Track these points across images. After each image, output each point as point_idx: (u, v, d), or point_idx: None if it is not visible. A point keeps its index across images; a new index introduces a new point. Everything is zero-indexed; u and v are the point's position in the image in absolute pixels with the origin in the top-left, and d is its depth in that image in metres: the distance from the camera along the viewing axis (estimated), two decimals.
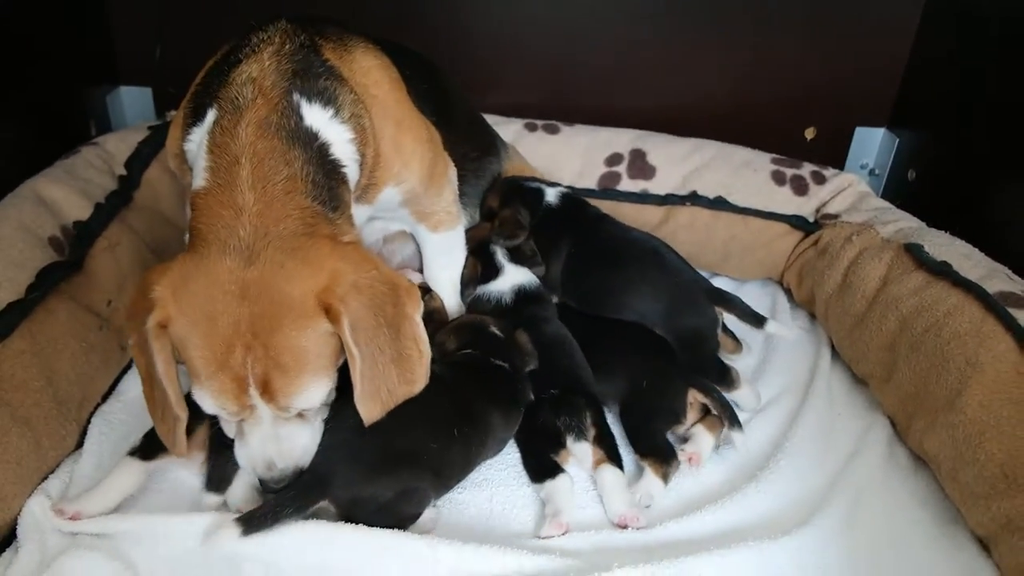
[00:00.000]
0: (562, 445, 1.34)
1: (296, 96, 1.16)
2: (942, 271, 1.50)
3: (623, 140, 2.05)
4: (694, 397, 1.42)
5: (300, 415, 1.15)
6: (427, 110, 1.46)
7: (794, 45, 2.15)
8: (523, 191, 1.75)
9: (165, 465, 1.26)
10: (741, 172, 1.96)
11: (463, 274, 1.63)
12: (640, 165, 2.00)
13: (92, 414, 1.40)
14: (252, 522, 1.09)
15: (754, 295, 1.97)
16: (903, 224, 1.74)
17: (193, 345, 1.06)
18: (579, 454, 1.35)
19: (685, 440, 1.41)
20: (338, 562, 1.14)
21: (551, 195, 1.75)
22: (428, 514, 1.23)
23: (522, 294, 1.60)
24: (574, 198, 1.79)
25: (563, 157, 2.03)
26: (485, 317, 1.51)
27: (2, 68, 1.65)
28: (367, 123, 1.23)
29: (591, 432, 1.35)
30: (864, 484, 1.36)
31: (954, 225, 1.69)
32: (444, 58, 2.17)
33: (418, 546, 1.15)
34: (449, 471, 1.27)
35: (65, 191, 1.56)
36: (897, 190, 2.15)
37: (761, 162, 1.98)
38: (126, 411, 1.44)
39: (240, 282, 1.04)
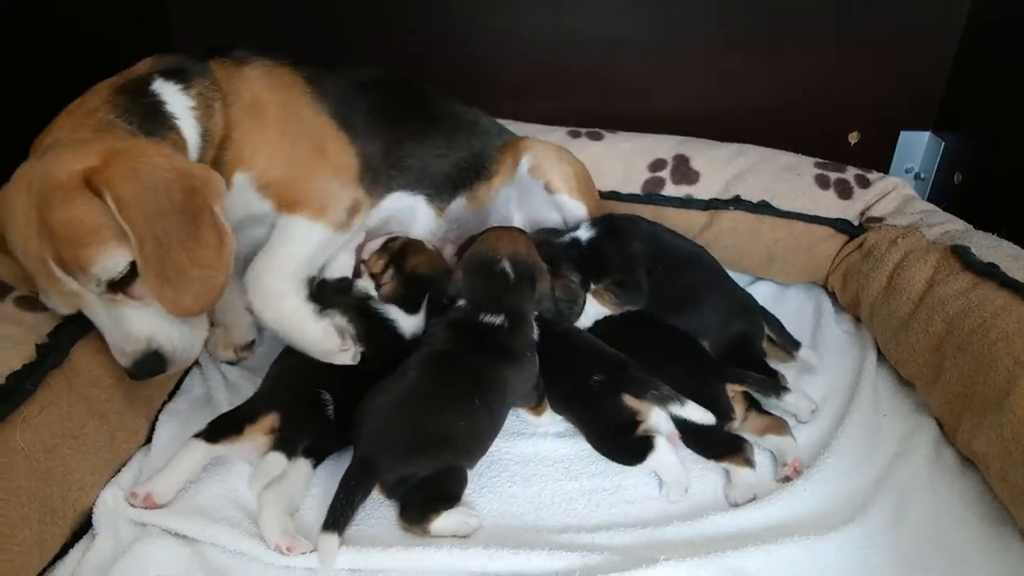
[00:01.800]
0: (637, 422, 1.39)
1: (155, 76, 1.39)
2: (989, 272, 1.50)
3: (666, 146, 2.07)
4: (732, 390, 1.46)
5: (128, 295, 1.22)
6: (361, 120, 1.61)
7: (837, 49, 2.16)
8: (556, 247, 1.69)
9: (228, 449, 1.31)
10: (784, 176, 1.97)
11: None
12: (683, 170, 2.02)
13: (160, 411, 1.48)
14: (338, 521, 1.17)
15: (798, 299, 1.99)
16: (949, 226, 1.74)
17: (11, 244, 1.21)
18: (657, 422, 1.41)
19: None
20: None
21: (583, 232, 1.71)
22: (471, 522, 1.27)
23: None
24: (611, 221, 1.75)
25: (607, 163, 2.06)
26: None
27: (61, 81, 1.71)
28: (218, 106, 1.42)
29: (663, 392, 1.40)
30: (910, 484, 1.37)
31: (1001, 227, 1.69)
32: (490, 67, 2.25)
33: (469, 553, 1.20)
34: (480, 442, 1.35)
35: None
36: (943, 193, 2.14)
37: (804, 166, 1.99)
38: (191, 407, 1.52)
39: (26, 178, 1.18)
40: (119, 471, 1.31)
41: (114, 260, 1.18)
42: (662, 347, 1.57)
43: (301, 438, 1.32)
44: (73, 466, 1.18)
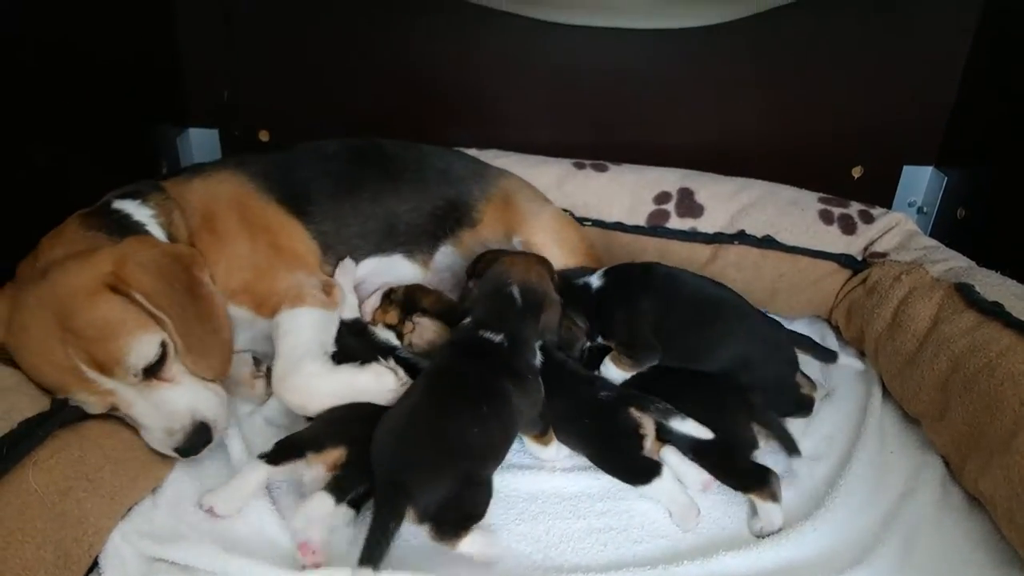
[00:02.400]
0: (643, 436, 1.41)
1: (112, 199, 1.50)
2: (994, 312, 1.51)
3: (671, 179, 2.09)
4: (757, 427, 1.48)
5: (160, 379, 1.29)
6: (326, 193, 1.67)
7: (840, 84, 2.19)
8: (568, 286, 1.67)
9: (289, 473, 1.32)
10: (788, 211, 1.99)
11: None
12: (688, 204, 2.04)
13: None
14: (373, 555, 1.15)
15: (802, 332, 1.99)
16: (953, 263, 1.76)
17: (28, 364, 1.26)
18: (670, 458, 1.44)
19: None
20: None
21: (595, 279, 1.67)
22: (495, 550, 1.27)
23: None
24: (624, 273, 1.68)
25: (612, 195, 2.08)
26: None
27: (78, 108, 1.76)
28: (177, 215, 1.51)
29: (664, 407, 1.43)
30: (918, 524, 1.37)
31: (1005, 263, 1.71)
32: (496, 98, 2.28)
33: None
34: (494, 449, 1.36)
35: None
36: (946, 228, 2.16)
37: (808, 201, 2.01)
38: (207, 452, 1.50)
39: (35, 295, 1.24)
40: (130, 510, 1.30)
41: (147, 346, 1.27)
42: (690, 384, 1.57)
43: (358, 484, 1.29)
44: (88, 508, 1.18)
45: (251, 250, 1.54)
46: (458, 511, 1.25)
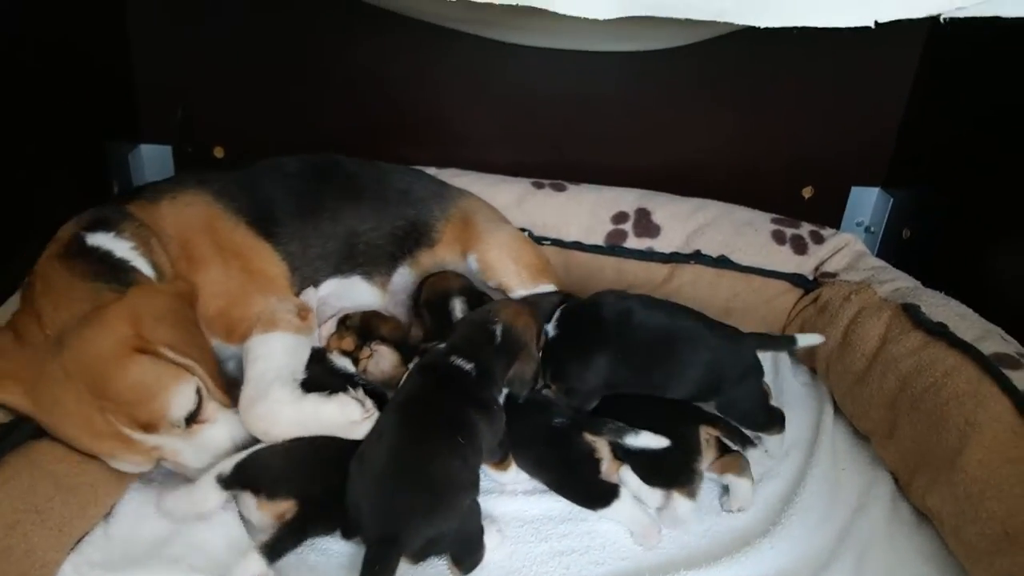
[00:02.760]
0: (599, 460, 1.43)
1: (81, 233, 1.41)
2: (939, 332, 1.57)
3: (628, 199, 2.12)
4: (706, 432, 1.50)
5: (200, 422, 1.30)
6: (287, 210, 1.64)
7: (792, 107, 2.24)
8: None
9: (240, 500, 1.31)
10: (743, 231, 2.03)
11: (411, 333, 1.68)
12: (645, 224, 2.07)
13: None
14: None
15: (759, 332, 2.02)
16: (899, 283, 1.81)
17: (69, 437, 1.25)
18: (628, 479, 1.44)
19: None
20: None
21: (550, 329, 1.62)
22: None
23: None
24: (573, 313, 1.64)
25: (570, 214, 2.10)
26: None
27: (25, 123, 1.70)
28: (155, 242, 1.45)
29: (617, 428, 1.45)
30: (870, 539, 1.41)
31: (946, 281, 1.77)
32: (454, 118, 2.28)
33: None
34: (474, 478, 1.35)
35: None
36: (891, 247, 2.23)
37: (762, 222, 2.06)
38: (165, 474, 1.45)
39: (61, 369, 1.21)
40: (80, 540, 1.26)
41: (185, 397, 1.27)
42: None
43: (292, 547, 1.24)
44: (35, 543, 1.14)
45: (225, 276, 1.50)
46: (462, 544, 1.27)
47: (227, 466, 1.28)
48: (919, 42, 2.14)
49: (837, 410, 1.78)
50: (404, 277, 1.79)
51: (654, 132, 2.29)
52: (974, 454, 1.34)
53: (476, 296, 1.72)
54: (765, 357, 1.98)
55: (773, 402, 1.76)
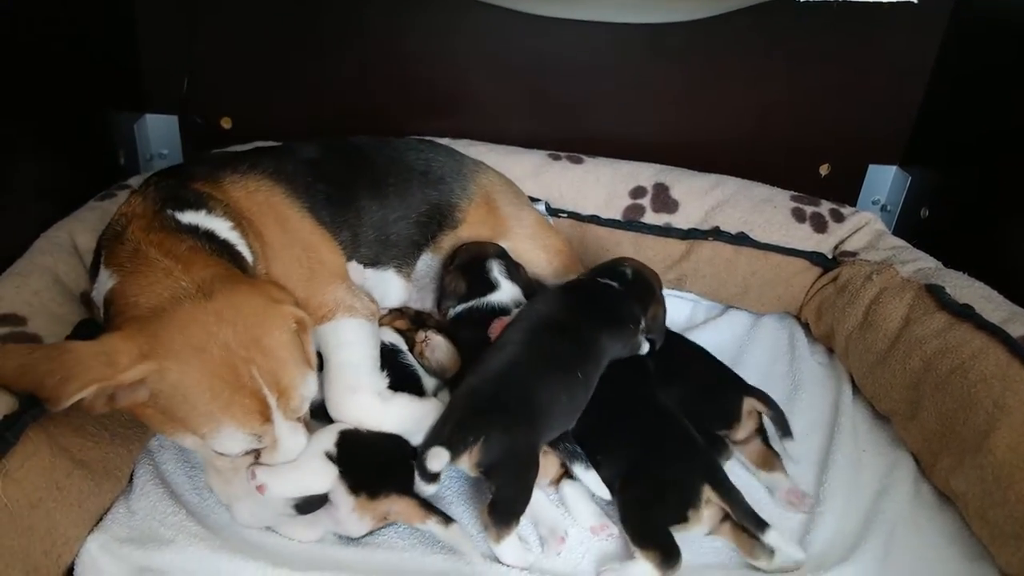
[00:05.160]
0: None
1: (168, 210, 1.30)
2: (965, 314, 1.55)
3: (646, 173, 2.09)
4: (750, 405, 1.50)
5: (301, 420, 1.22)
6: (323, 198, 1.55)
7: (810, 84, 2.21)
8: None
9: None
10: (762, 208, 2.00)
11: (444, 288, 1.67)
12: (663, 199, 2.05)
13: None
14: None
15: (772, 328, 2.02)
16: (921, 264, 1.79)
17: (194, 385, 1.08)
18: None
19: None
20: None
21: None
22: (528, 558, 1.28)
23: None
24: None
25: (588, 187, 2.07)
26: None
27: (33, 95, 1.66)
28: (245, 223, 1.38)
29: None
30: (896, 522, 1.40)
31: (965, 261, 1.75)
32: (471, 89, 2.24)
33: None
34: (568, 420, 1.39)
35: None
36: (909, 226, 2.20)
37: (781, 199, 2.03)
38: (171, 444, 1.45)
39: (212, 312, 1.11)
40: (102, 518, 1.25)
41: (315, 384, 1.22)
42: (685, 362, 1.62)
43: None
44: (57, 519, 1.13)
45: (300, 263, 1.44)
46: (512, 488, 1.26)
47: (327, 443, 1.26)
48: (942, 21, 2.10)
49: (856, 390, 1.77)
50: (427, 263, 1.74)
51: (671, 106, 2.26)
52: (1003, 437, 1.33)
53: (513, 263, 1.73)
54: (782, 336, 1.99)
55: (789, 382, 1.75)
